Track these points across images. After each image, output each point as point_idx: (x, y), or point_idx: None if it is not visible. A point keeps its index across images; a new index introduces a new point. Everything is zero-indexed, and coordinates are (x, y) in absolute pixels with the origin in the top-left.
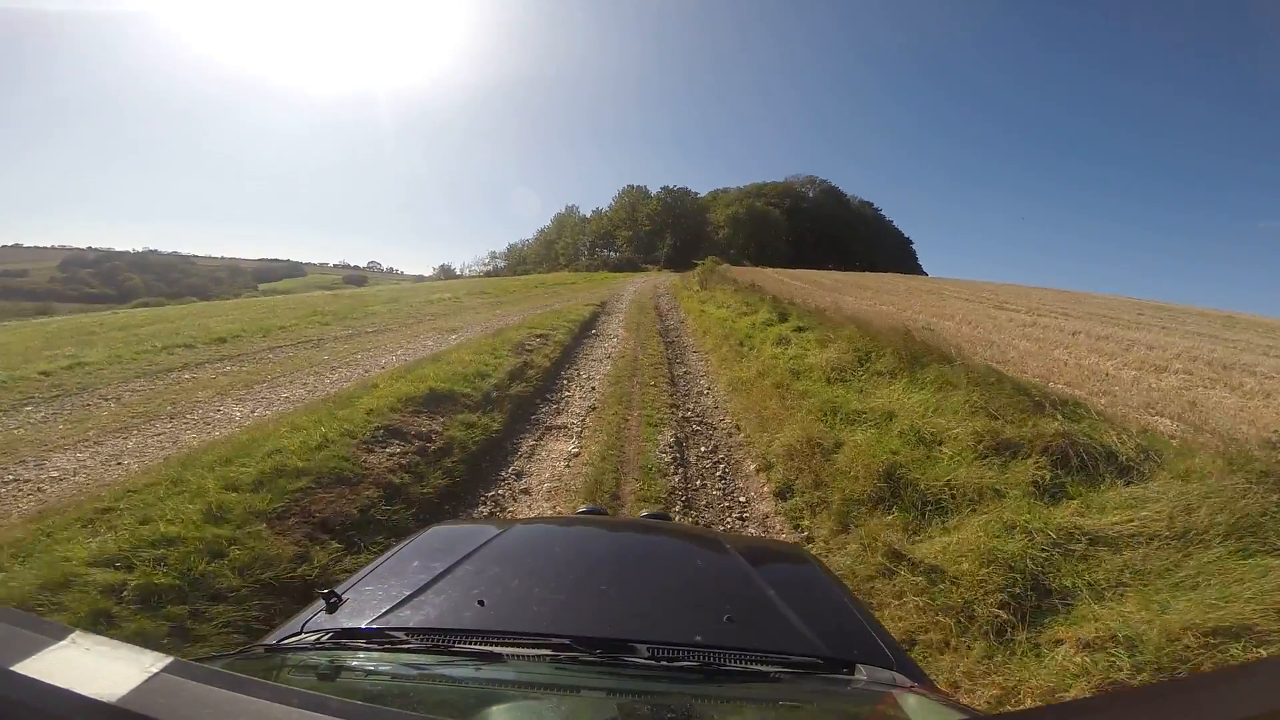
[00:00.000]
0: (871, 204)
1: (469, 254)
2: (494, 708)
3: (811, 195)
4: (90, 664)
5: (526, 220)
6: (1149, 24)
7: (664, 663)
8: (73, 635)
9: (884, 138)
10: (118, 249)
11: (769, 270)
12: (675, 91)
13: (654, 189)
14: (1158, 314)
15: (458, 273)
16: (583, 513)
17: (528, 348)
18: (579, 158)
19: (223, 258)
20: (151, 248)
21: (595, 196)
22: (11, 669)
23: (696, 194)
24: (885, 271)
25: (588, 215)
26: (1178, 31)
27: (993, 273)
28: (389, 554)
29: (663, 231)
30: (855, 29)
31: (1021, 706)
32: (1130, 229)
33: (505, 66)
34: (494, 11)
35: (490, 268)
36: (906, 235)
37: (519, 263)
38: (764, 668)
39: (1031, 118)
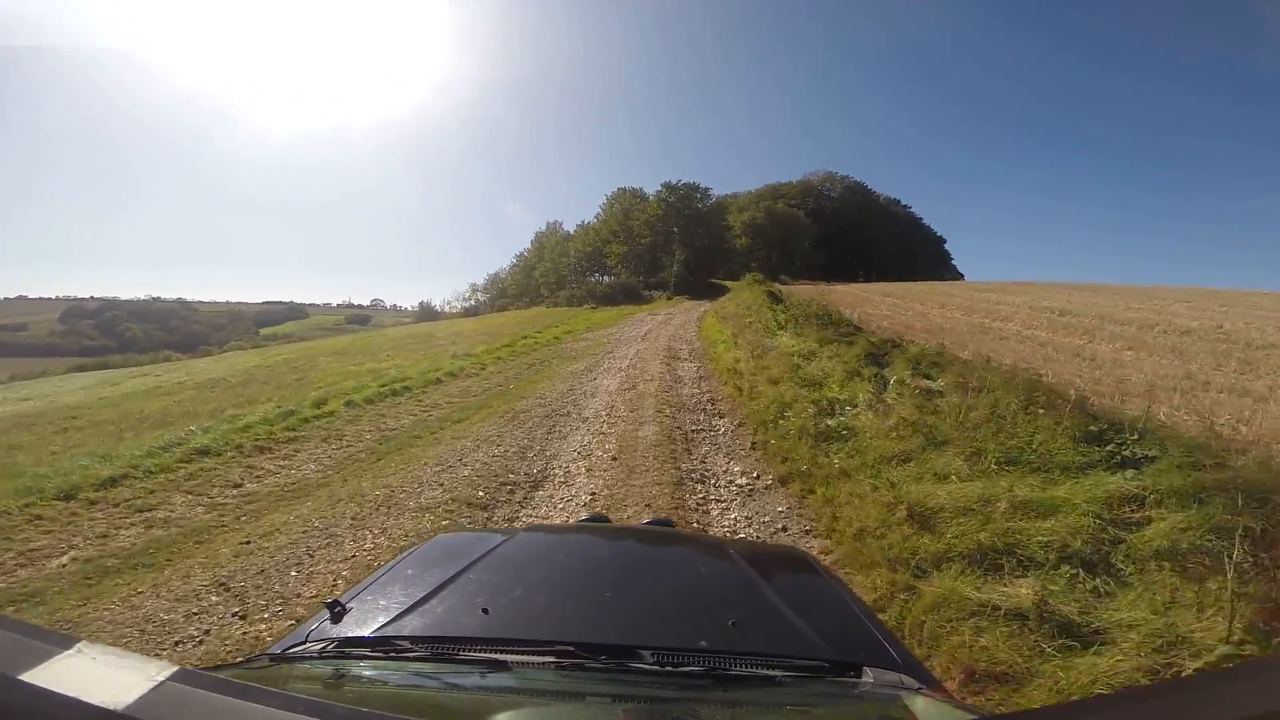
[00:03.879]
0: (899, 201)
1: (464, 285)
2: (499, 715)
3: (835, 194)
4: (96, 673)
5: (524, 242)
6: (1145, 21)
7: (669, 668)
8: (79, 645)
9: (873, 134)
10: (123, 297)
11: (852, 288)
12: (665, 96)
13: (652, 191)
14: None
15: (438, 309)
16: (586, 520)
17: None
18: (575, 175)
19: (227, 302)
20: (156, 295)
21: (589, 214)
22: (18, 678)
23: (708, 190)
24: (927, 279)
25: (573, 231)
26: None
27: (1011, 271)
28: (393, 562)
29: (668, 243)
30: (835, 25)
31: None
32: (1127, 217)
33: (496, 86)
34: (479, 32)
35: (472, 302)
36: (939, 234)
37: (499, 295)
38: (770, 672)
39: (1023, 112)
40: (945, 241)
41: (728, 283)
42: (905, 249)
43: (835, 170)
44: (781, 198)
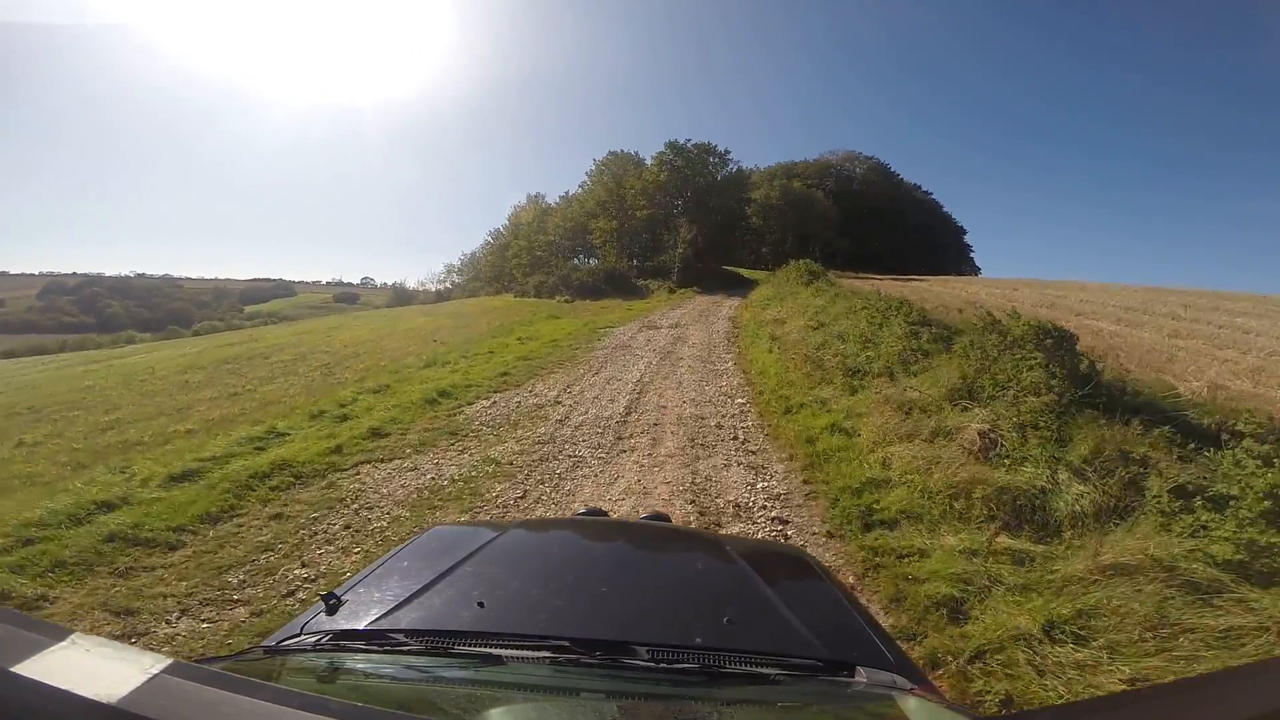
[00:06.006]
0: (920, 186)
1: (439, 267)
2: (493, 710)
3: (858, 175)
4: (90, 665)
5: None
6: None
7: (664, 665)
8: (72, 636)
9: (863, 122)
10: (107, 274)
11: (933, 285)
12: (666, 77)
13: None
14: None
15: (413, 291)
16: (583, 514)
17: None
18: (567, 156)
19: (214, 279)
20: (142, 271)
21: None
22: (11, 670)
23: (727, 154)
24: (948, 274)
25: (555, 204)
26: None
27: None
28: (389, 556)
29: (670, 219)
30: (840, 19)
31: (1020, 709)
32: (1118, 217)
33: (491, 68)
34: (477, 14)
35: (447, 284)
36: (960, 224)
37: (473, 277)
38: (764, 670)
39: (1022, 111)
40: (966, 233)
41: (744, 271)
42: (930, 239)
43: (858, 150)
44: (797, 176)
